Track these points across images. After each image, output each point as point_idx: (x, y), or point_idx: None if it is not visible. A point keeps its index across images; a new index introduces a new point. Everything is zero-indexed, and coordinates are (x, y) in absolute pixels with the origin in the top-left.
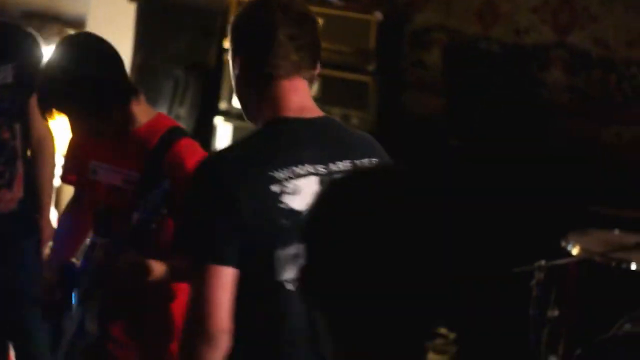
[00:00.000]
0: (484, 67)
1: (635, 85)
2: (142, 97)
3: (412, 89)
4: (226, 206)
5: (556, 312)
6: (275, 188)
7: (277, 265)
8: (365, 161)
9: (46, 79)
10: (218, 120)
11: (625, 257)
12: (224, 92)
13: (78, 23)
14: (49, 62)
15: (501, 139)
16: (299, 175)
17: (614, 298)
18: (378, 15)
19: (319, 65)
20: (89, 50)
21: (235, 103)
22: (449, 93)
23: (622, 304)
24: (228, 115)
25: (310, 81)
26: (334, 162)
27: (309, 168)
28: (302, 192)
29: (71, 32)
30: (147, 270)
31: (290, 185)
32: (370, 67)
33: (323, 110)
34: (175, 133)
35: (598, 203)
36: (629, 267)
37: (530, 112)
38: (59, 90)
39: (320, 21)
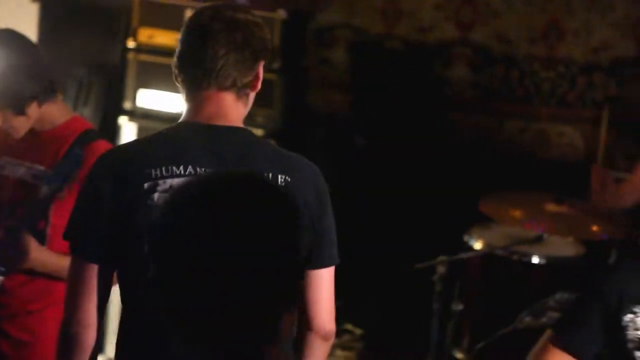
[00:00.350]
0: (388, 65)
1: (537, 81)
2: (59, 98)
3: (317, 87)
4: (92, 199)
5: (460, 306)
6: (147, 185)
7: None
8: (268, 176)
9: None
10: (122, 120)
11: (526, 250)
12: (129, 91)
13: None
14: None
15: (406, 136)
16: (177, 175)
17: (516, 291)
18: (282, 14)
19: (256, 73)
20: (9, 44)
21: (140, 103)
22: (354, 91)
23: (524, 297)
24: (132, 114)
25: (238, 90)
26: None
27: (191, 170)
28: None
29: None
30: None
31: (164, 183)
32: (275, 65)
33: None
34: (90, 135)
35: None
36: (530, 260)
37: (435, 109)
38: None
39: None
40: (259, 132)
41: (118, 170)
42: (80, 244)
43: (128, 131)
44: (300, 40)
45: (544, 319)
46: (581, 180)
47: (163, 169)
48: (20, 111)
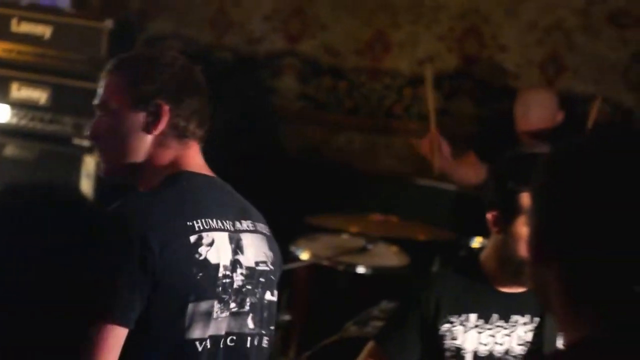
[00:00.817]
0: (218, 76)
1: (365, 93)
2: None
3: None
4: (139, 258)
5: (287, 316)
6: (192, 238)
7: (187, 321)
8: (262, 226)
9: None
10: None
11: (352, 260)
12: None
13: None
14: None
15: (235, 146)
16: (213, 229)
17: (343, 301)
18: (109, 24)
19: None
20: None
21: None
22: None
23: (350, 306)
24: None
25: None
26: (239, 221)
27: (219, 223)
28: (215, 245)
29: None
30: None
31: (207, 236)
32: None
33: (55, 118)
34: None
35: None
36: (356, 270)
37: (265, 120)
38: None
39: (50, 29)
40: (85, 142)
41: (161, 224)
42: (126, 315)
43: None
44: (129, 50)
45: (368, 328)
46: (408, 190)
47: (201, 221)
48: None
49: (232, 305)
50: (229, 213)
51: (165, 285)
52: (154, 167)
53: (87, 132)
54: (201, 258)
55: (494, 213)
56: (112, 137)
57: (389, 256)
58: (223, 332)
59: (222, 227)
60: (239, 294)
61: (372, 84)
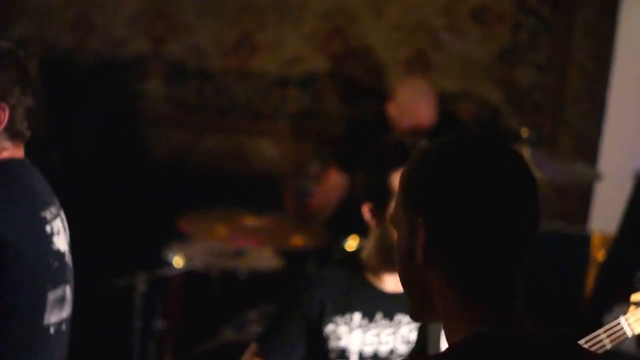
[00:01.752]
0: (82, 79)
1: (232, 95)
2: None
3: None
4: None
5: (162, 323)
6: (47, 229)
7: (45, 308)
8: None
9: None
10: None
11: (228, 265)
12: None
13: None
14: None
15: (103, 152)
16: (55, 216)
17: (219, 306)
18: None
19: None
20: None
21: None
22: (48, 108)
23: (227, 311)
24: None
25: None
26: (55, 206)
27: (53, 210)
28: (59, 233)
29: None
30: None
31: (55, 225)
32: None
33: None
34: None
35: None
36: (232, 275)
37: (131, 124)
38: None
39: None
40: None
41: (17, 217)
42: None
43: None
44: None
45: (245, 333)
46: (279, 191)
47: (47, 210)
48: None
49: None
50: (53, 198)
51: (24, 277)
52: None
53: None
54: (55, 248)
55: (369, 205)
56: None
57: (264, 259)
58: (65, 316)
59: (56, 214)
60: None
61: (240, 86)
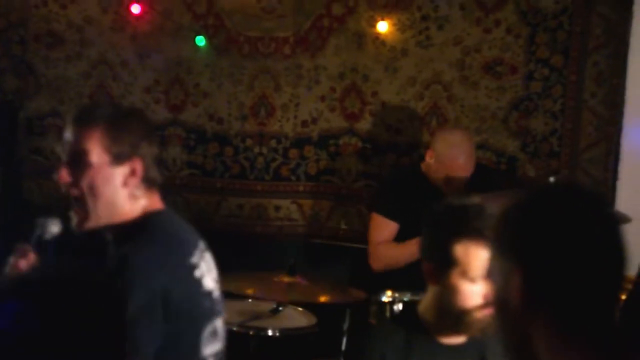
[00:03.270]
0: None
1: (251, 157)
2: None
3: (31, 178)
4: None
5: None
6: (197, 273)
7: (202, 343)
8: None
9: None
10: None
11: (261, 324)
12: None
13: None
14: None
15: None
16: (200, 258)
17: None
18: None
19: None
20: None
21: None
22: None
23: None
24: None
25: None
26: (199, 247)
27: (198, 252)
28: (207, 272)
29: None
30: None
31: (202, 267)
32: None
33: None
34: None
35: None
36: (266, 333)
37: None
38: None
39: None
40: None
41: (171, 267)
42: None
43: None
44: (12, 131)
45: None
46: (302, 251)
47: (196, 254)
48: None
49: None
50: (196, 241)
51: (183, 320)
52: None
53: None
54: (205, 289)
55: (429, 265)
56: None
57: (297, 317)
58: (219, 348)
59: (201, 256)
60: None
61: (258, 148)
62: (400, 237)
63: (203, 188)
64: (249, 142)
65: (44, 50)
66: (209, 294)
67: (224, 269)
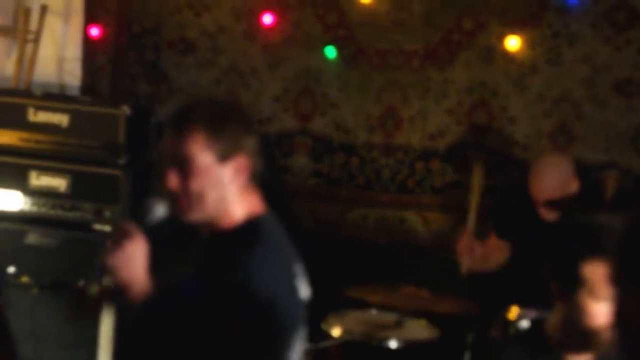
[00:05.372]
0: None
1: (377, 168)
2: None
3: (160, 180)
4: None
5: None
6: (296, 282)
7: (293, 349)
8: None
9: None
10: None
11: (383, 335)
12: None
13: None
14: None
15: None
16: (299, 266)
17: None
18: (126, 110)
19: None
20: None
21: None
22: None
23: None
24: None
25: None
26: (297, 257)
27: (297, 262)
28: (303, 281)
29: None
30: None
31: (300, 275)
32: (121, 161)
33: (75, 205)
34: None
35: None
36: (388, 345)
37: (277, 198)
38: None
39: (67, 117)
40: (106, 228)
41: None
42: None
43: None
44: (145, 135)
45: None
46: (425, 264)
47: (297, 264)
48: None
49: None
50: (294, 250)
51: (285, 327)
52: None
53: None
54: (302, 299)
55: (557, 284)
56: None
57: (420, 329)
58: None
59: (299, 267)
60: None
61: (384, 160)
62: (510, 258)
63: (328, 197)
64: (375, 153)
65: (176, 57)
66: (303, 302)
67: (348, 279)
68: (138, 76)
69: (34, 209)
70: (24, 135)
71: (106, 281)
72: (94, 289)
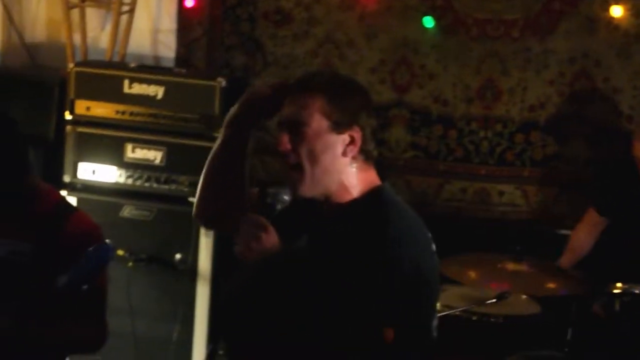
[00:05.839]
0: None
1: (476, 140)
2: (34, 170)
3: (255, 154)
4: None
5: None
6: (433, 246)
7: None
8: None
9: None
10: (62, 194)
11: (484, 310)
12: (67, 164)
13: None
14: None
15: None
16: None
17: (474, 351)
18: (221, 81)
19: None
20: None
21: (80, 175)
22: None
23: (482, 356)
24: (72, 188)
25: None
26: None
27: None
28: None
29: None
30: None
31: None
32: (216, 133)
33: (170, 178)
34: (66, 206)
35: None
36: (489, 319)
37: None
38: None
39: (162, 89)
40: None
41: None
42: None
43: None
44: None
45: None
46: (526, 238)
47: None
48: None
49: None
50: None
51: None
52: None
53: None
54: (438, 262)
55: None
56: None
57: (520, 305)
58: None
59: None
60: None
61: (483, 132)
62: (612, 234)
63: (426, 170)
64: (474, 125)
65: (272, 28)
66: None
67: (446, 253)
68: (233, 48)
69: (129, 182)
70: (119, 107)
71: None
72: None
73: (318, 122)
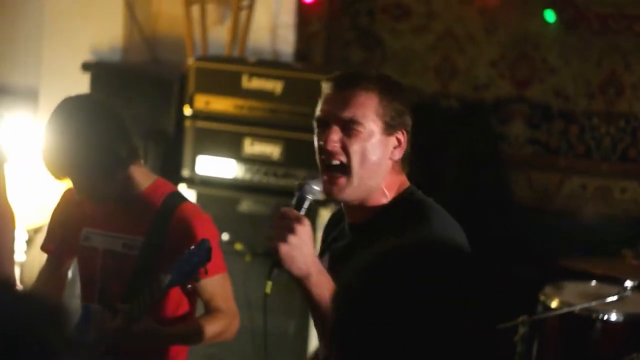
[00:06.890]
0: (445, 123)
1: (597, 136)
2: (142, 161)
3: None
4: None
5: None
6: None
7: None
8: None
9: (52, 143)
10: (181, 188)
11: (604, 308)
12: (187, 158)
13: (30, 95)
14: (52, 125)
15: (466, 194)
16: None
17: (595, 350)
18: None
19: None
20: (94, 112)
21: (199, 169)
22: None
23: (603, 356)
24: (191, 182)
25: None
26: None
27: None
28: None
29: (23, 104)
30: (159, 338)
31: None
32: None
33: (289, 173)
34: (177, 197)
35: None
36: (610, 318)
37: (494, 166)
38: (66, 154)
39: (281, 84)
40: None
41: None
42: None
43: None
44: None
45: None
46: None
47: None
48: (111, 179)
49: None
50: None
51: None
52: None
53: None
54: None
55: None
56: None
57: None
58: None
59: None
60: None
61: (605, 128)
62: None
63: (546, 166)
64: (595, 121)
65: (391, 22)
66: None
67: (565, 249)
68: (351, 42)
69: (248, 176)
70: (238, 102)
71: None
72: None
73: (373, 122)
